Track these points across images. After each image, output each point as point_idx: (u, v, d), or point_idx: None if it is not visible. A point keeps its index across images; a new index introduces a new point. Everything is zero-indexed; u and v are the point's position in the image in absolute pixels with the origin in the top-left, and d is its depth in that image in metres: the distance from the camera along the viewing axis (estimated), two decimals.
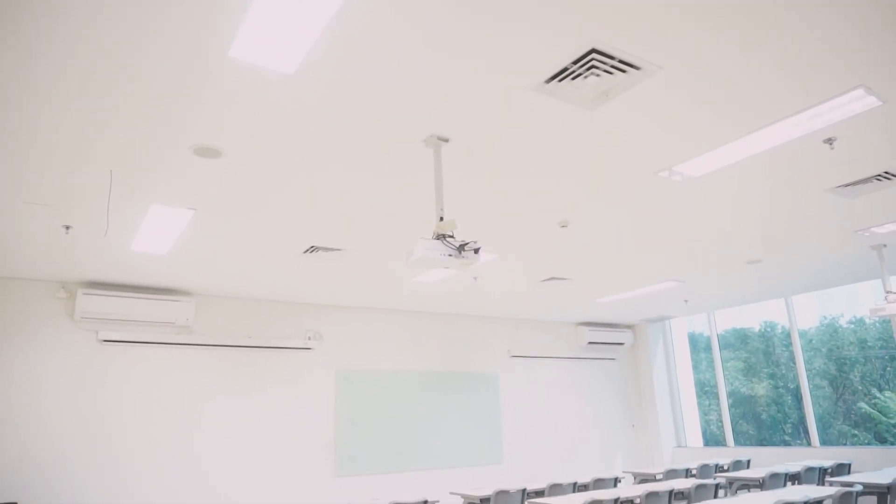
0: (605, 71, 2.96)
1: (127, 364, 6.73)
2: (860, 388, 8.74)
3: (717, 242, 6.06)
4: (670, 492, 5.88)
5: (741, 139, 3.75)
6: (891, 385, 8.48)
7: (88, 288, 6.55)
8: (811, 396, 8.86)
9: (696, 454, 10.13)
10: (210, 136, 3.50)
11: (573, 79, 3.02)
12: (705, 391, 10.64)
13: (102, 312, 6.46)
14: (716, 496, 6.26)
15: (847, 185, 4.61)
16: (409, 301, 8.28)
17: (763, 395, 9.80)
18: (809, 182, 4.54)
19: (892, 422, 8.45)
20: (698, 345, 10.92)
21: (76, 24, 2.49)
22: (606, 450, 10.29)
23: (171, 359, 6.99)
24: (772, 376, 9.72)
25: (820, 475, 7.27)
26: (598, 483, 6.92)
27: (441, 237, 3.31)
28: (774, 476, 6.76)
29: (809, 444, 8.79)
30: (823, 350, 9.15)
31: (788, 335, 9.25)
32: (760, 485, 6.70)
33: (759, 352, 9.95)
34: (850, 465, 7.75)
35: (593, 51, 2.80)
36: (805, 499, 4.88)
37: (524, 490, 6.28)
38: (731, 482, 7.04)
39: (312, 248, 5.73)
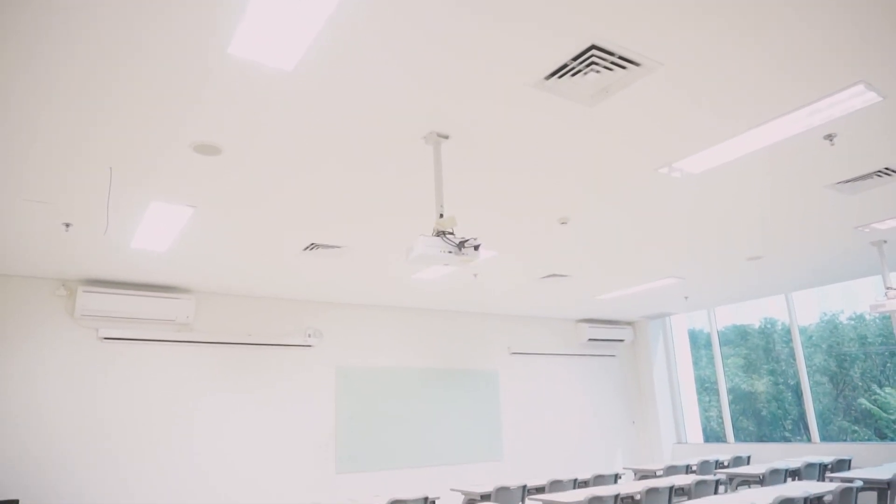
0: (605, 67, 2.95)
1: (127, 361, 6.74)
2: (860, 384, 8.75)
3: (718, 239, 6.05)
4: (670, 488, 5.89)
5: (741, 135, 3.74)
6: (891, 381, 8.49)
7: (88, 285, 6.55)
8: (811, 393, 8.87)
9: (697, 450, 10.14)
10: (209, 133, 3.50)
11: (573, 75, 3.02)
12: (705, 388, 10.65)
13: (103, 310, 6.47)
14: (716, 492, 6.27)
15: (847, 182, 4.61)
16: (410, 298, 8.28)
17: (763, 392, 9.81)
18: (809, 178, 4.53)
19: (892, 418, 8.46)
20: (698, 341, 10.92)
21: (75, 22, 2.49)
22: (607, 446, 10.30)
23: (171, 356, 6.99)
24: (772, 373, 9.73)
25: (820, 471, 7.29)
26: (599, 479, 6.93)
27: (441, 234, 3.31)
28: (775, 472, 6.77)
29: (809, 440, 8.80)
30: (823, 346, 9.16)
31: (788, 331, 9.25)
32: (761, 481, 6.71)
33: (760, 348, 9.96)
34: (850, 461, 7.76)
35: (593, 47, 2.79)
36: (805, 495, 4.89)
37: (524, 486, 6.29)
38: (731, 478, 7.05)
39: (312, 246, 5.73)
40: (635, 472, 7.98)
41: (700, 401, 10.71)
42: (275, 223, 5.10)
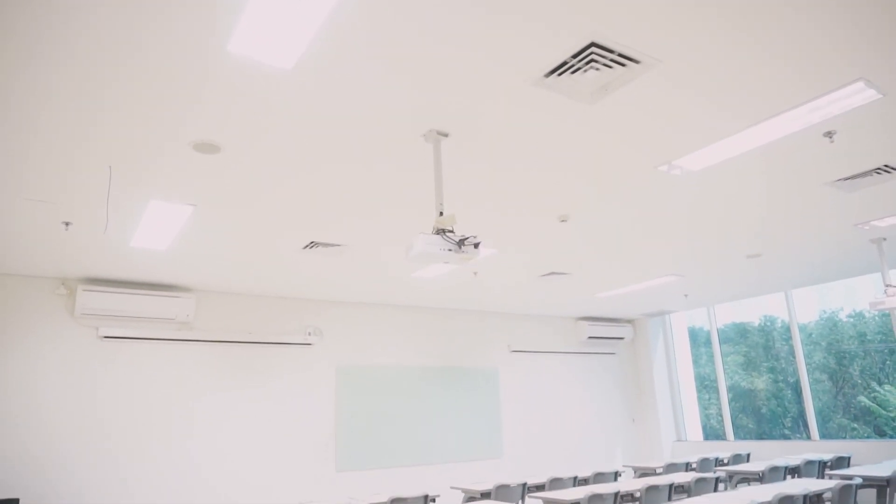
0: (605, 65, 2.95)
1: (127, 360, 6.74)
2: (860, 381, 8.76)
3: (717, 236, 6.06)
4: (670, 485, 5.89)
5: (741, 133, 3.74)
6: (890, 378, 8.50)
7: (88, 284, 6.55)
8: (811, 390, 8.88)
9: (696, 448, 10.16)
10: (209, 131, 3.50)
11: (572, 73, 3.02)
12: (705, 385, 10.66)
13: (103, 309, 6.47)
14: (716, 490, 6.27)
15: (847, 179, 4.61)
16: (410, 296, 8.28)
17: (763, 389, 9.82)
18: (809, 176, 4.53)
19: (892, 415, 8.47)
20: (698, 339, 10.93)
21: (74, 20, 2.49)
22: (607, 444, 10.31)
23: (171, 355, 7.00)
24: (771, 370, 9.74)
25: (819, 468, 7.29)
26: (599, 477, 6.94)
27: (441, 232, 3.31)
28: (774, 469, 6.78)
29: (809, 437, 8.81)
30: (823, 344, 9.17)
31: (788, 329, 9.26)
32: (760, 478, 6.71)
33: (759, 346, 9.97)
34: (849, 458, 7.77)
35: (593, 44, 2.79)
36: (805, 492, 4.90)
37: (524, 484, 6.30)
38: (730, 476, 7.06)
39: (312, 244, 5.73)
40: (635, 469, 7.98)
41: (700, 398, 10.72)
42: (274, 221, 5.10)
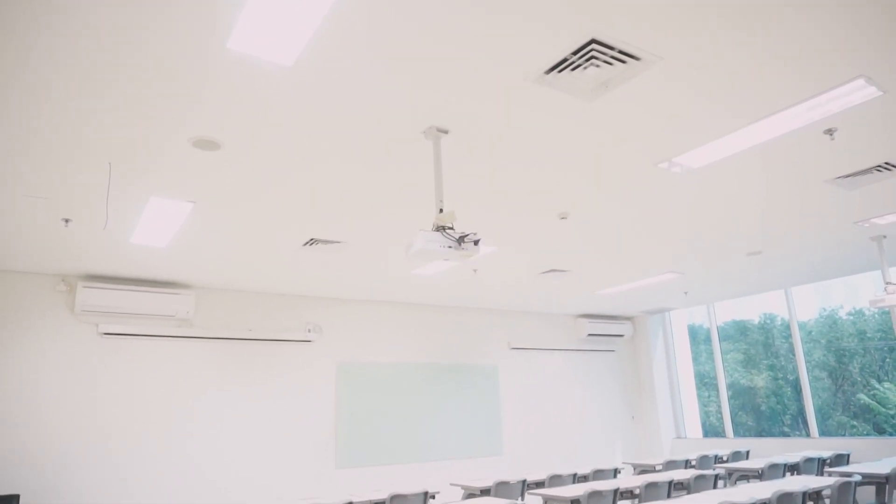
0: (605, 62, 2.95)
1: (127, 357, 6.75)
2: (859, 379, 8.77)
3: (717, 234, 6.06)
4: (670, 482, 5.90)
5: (741, 130, 3.74)
6: (890, 376, 8.51)
7: (88, 281, 6.55)
8: (810, 388, 8.88)
9: (696, 445, 10.17)
10: (209, 128, 3.49)
11: (573, 70, 3.01)
12: (705, 383, 10.67)
13: (103, 305, 6.47)
14: (715, 487, 6.28)
15: (847, 176, 4.60)
16: (409, 293, 8.29)
17: (762, 387, 9.83)
18: (809, 173, 4.53)
19: (891, 413, 8.48)
20: (698, 336, 10.94)
21: (74, 17, 2.48)
22: (606, 441, 10.32)
23: (171, 352, 7.00)
24: (771, 368, 9.75)
25: (819, 466, 7.30)
26: (598, 474, 6.95)
27: (441, 229, 3.31)
28: (773, 467, 6.79)
29: (808, 435, 8.82)
30: (823, 341, 9.17)
31: (788, 327, 9.26)
32: (759, 475, 6.72)
33: (759, 343, 9.97)
34: (848, 455, 7.78)
35: (593, 41, 2.79)
36: (804, 489, 4.91)
37: (524, 481, 6.31)
38: (730, 473, 7.07)
39: (312, 241, 5.73)
40: (634, 466, 7.99)
41: (699, 396, 10.73)
42: (274, 218, 5.10)
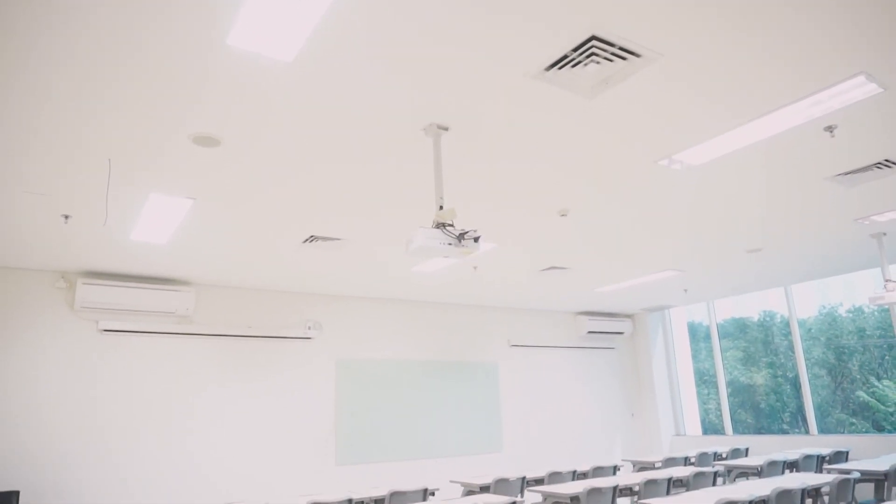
0: (605, 58, 2.94)
1: (127, 354, 6.75)
2: (858, 376, 8.77)
3: (717, 231, 6.06)
4: (669, 479, 5.91)
5: (741, 127, 3.73)
6: (889, 374, 8.51)
7: (88, 278, 6.55)
8: (810, 385, 8.89)
9: (695, 442, 10.18)
10: (209, 124, 3.49)
11: (573, 66, 3.01)
12: (704, 380, 10.68)
13: (102, 302, 6.47)
14: (714, 484, 6.29)
15: (847, 174, 4.60)
16: (409, 291, 8.29)
17: (762, 384, 9.83)
18: (809, 170, 4.53)
19: (890, 410, 8.49)
20: (697, 334, 10.94)
21: (74, 13, 2.48)
22: (606, 438, 10.34)
23: (171, 348, 7.00)
24: (771, 365, 9.75)
25: (818, 463, 7.31)
26: (598, 471, 6.96)
27: (441, 226, 3.31)
28: (773, 464, 6.80)
29: (808, 432, 8.83)
30: (822, 339, 9.18)
31: (787, 324, 9.27)
32: (759, 472, 6.73)
33: (759, 341, 9.98)
34: (847, 452, 7.79)
35: (593, 38, 2.78)
36: (803, 486, 4.91)
37: (524, 478, 6.31)
38: (729, 470, 7.08)
39: (312, 238, 5.73)
40: (634, 463, 8.00)
41: (699, 393, 10.74)
42: (274, 215, 5.09)
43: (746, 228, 5.98)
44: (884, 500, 5.75)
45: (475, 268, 7.15)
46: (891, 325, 8.41)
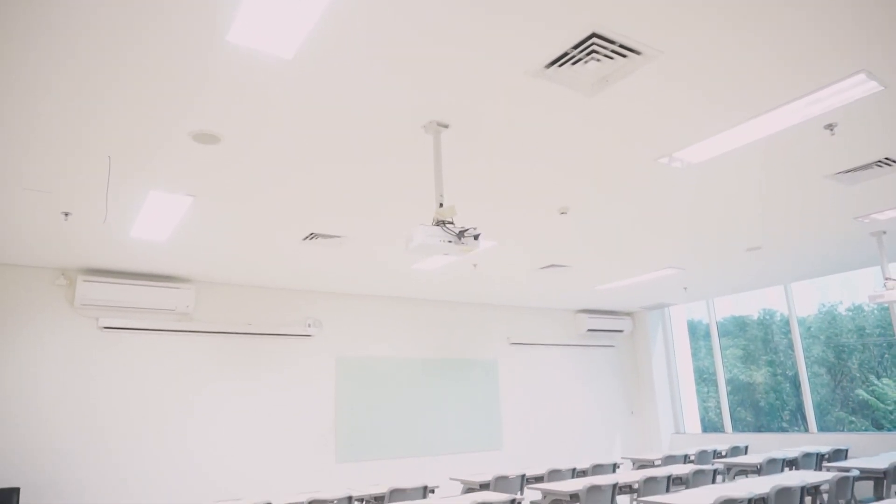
0: (606, 56, 2.94)
1: (127, 351, 6.75)
2: (858, 375, 8.78)
3: (717, 229, 6.05)
4: (668, 477, 5.92)
5: (742, 125, 3.73)
6: (888, 372, 8.52)
7: (88, 275, 6.55)
8: (809, 383, 8.90)
9: (695, 440, 10.19)
10: (209, 122, 3.49)
11: (573, 64, 3.01)
12: (704, 378, 10.68)
13: (103, 299, 6.47)
14: (714, 482, 6.30)
15: (847, 172, 4.60)
16: (409, 288, 8.29)
17: (761, 383, 9.84)
18: (810, 168, 4.53)
19: (889, 408, 8.50)
20: (697, 332, 10.95)
21: (74, 9, 2.48)
22: (605, 436, 10.35)
23: (171, 346, 7.01)
24: (770, 363, 9.76)
25: (817, 461, 7.32)
26: (597, 469, 6.96)
27: (441, 223, 3.31)
28: (772, 462, 6.81)
29: (807, 430, 8.84)
30: (822, 337, 9.18)
31: (787, 323, 9.27)
32: (758, 470, 6.74)
33: (758, 339, 9.98)
34: (847, 450, 7.80)
35: (594, 35, 2.78)
36: (802, 484, 4.92)
37: (523, 476, 6.32)
38: (728, 468, 7.09)
39: (312, 235, 5.73)
40: (634, 461, 8.01)
41: (698, 391, 10.74)
42: (274, 212, 5.09)
43: (746, 226, 5.98)
44: (883, 498, 5.76)
45: (475, 265, 7.15)
46: (890, 324, 8.41)
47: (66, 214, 4.89)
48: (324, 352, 8.01)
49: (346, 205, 4.96)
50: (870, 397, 8.64)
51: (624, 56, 2.95)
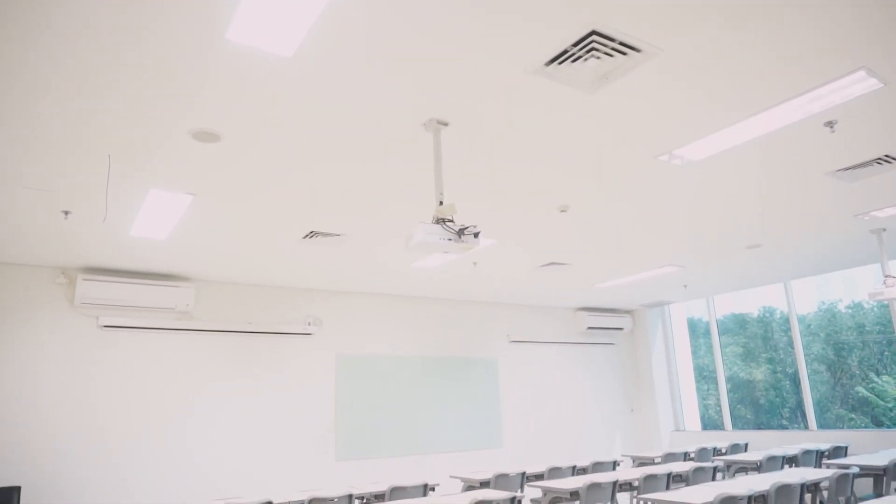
0: (606, 53, 2.94)
1: (127, 349, 6.76)
2: (858, 372, 8.79)
3: (717, 227, 6.05)
4: (668, 475, 5.92)
5: (742, 122, 3.73)
6: (888, 369, 8.53)
7: (88, 273, 6.55)
8: (809, 381, 8.90)
9: (695, 438, 10.20)
10: (208, 120, 3.49)
11: (573, 61, 3.01)
12: (704, 376, 10.69)
13: (102, 298, 6.48)
14: (713, 479, 6.31)
15: (847, 169, 4.60)
16: (409, 286, 8.29)
17: (761, 380, 9.85)
18: (809, 166, 4.53)
19: (889, 405, 8.50)
20: (697, 330, 10.95)
21: (74, 9, 2.47)
22: (605, 434, 10.36)
23: (171, 344, 7.01)
24: (770, 361, 9.76)
25: (817, 458, 7.33)
26: (597, 466, 6.97)
27: (441, 221, 3.31)
28: (772, 459, 6.81)
29: (807, 427, 8.85)
30: (822, 335, 9.19)
31: (787, 320, 9.27)
32: (758, 467, 6.75)
33: (758, 337, 9.99)
34: (846, 447, 7.81)
35: (594, 33, 2.78)
36: (802, 481, 4.93)
37: (523, 473, 6.33)
38: (728, 465, 7.10)
39: (312, 234, 5.73)
40: (633, 459, 8.02)
41: (698, 389, 10.75)
42: (274, 211, 5.09)
43: (746, 224, 5.98)
44: (882, 495, 5.77)
45: (475, 264, 7.16)
46: (890, 321, 8.42)
47: (66, 213, 4.89)
48: (324, 350, 8.02)
49: (345, 203, 4.96)
50: (869, 394, 8.65)
51: (624, 54, 2.94)
